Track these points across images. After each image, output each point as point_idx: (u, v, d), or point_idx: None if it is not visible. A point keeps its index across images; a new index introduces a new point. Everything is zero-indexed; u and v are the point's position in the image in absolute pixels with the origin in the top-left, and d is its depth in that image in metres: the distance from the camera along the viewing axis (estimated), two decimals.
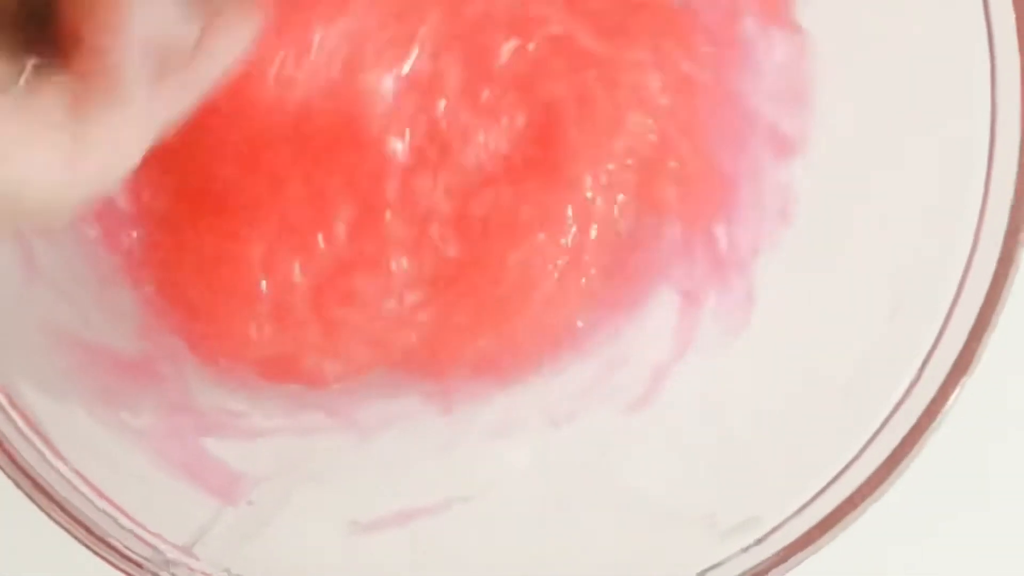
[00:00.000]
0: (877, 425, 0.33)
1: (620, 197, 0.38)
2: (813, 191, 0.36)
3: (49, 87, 0.22)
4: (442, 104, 0.36)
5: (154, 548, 0.32)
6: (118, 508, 0.32)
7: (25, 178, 0.22)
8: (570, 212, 0.37)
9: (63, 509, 0.31)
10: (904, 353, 0.33)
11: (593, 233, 0.37)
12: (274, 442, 0.37)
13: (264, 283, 0.36)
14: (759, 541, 0.33)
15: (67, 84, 0.23)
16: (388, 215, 0.36)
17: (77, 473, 0.32)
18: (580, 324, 0.38)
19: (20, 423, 0.32)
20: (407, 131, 0.36)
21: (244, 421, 0.37)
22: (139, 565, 0.32)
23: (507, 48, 0.37)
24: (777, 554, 0.32)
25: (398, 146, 0.36)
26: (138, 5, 0.22)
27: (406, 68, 0.36)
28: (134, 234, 0.37)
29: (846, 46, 0.36)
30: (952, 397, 0.32)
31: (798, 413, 0.35)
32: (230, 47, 0.26)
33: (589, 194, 0.37)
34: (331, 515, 0.36)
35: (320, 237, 0.36)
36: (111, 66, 0.22)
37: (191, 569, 0.32)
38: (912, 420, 0.32)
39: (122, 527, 0.32)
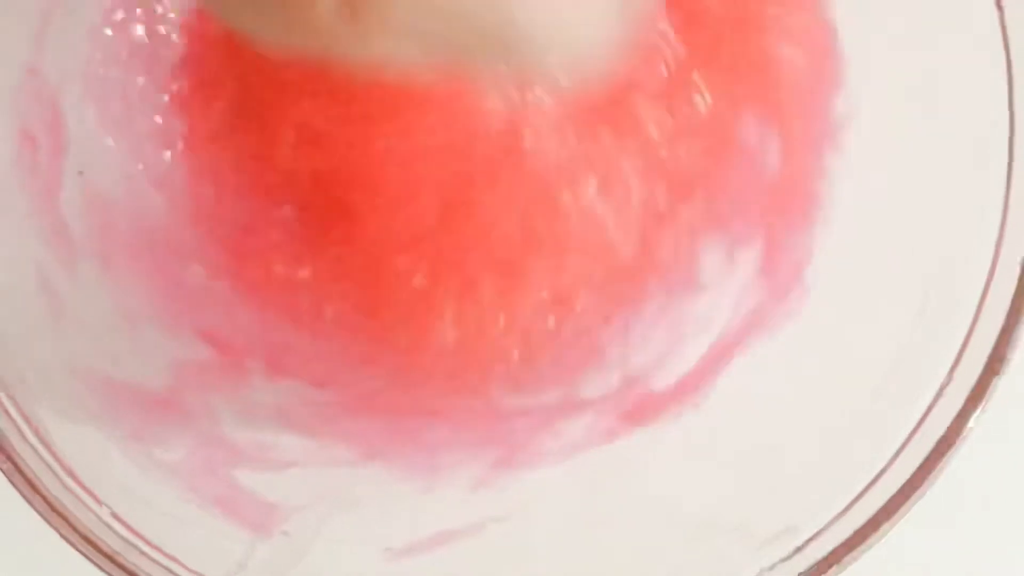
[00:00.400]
0: (910, 429, 0.33)
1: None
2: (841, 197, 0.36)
3: None
4: None
5: None
6: (155, 547, 0.32)
7: None
8: None
9: (100, 551, 0.31)
10: (934, 356, 0.33)
11: None
12: (306, 471, 0.37)
13: None
14: (798, 550, 0.33)
15: None
16: None
17: (113, 514, 0.32)
18: None
19: (54, 465, 0.32)
20: None
21: (275, 452, 0.37)
22: None
23: None
24: (816, 564, 0.32)
25: None
26: None
27: None
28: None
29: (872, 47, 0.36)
30: (984, 400, 0.32)
31: (830, 420, 0.35)
32: None
33: None
34: (366, 542, 0.36)
35: None
36: None
37: None
38: (946, 423, 0.32)
39: (161, 566, 0.32)
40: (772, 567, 0.33)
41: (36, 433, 0.32)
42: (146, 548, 0.32)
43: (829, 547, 0.32)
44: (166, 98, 0.37)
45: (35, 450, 0.32)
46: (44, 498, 0.31)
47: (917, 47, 0.34)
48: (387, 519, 0.37)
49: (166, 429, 0.36)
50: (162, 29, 0.36)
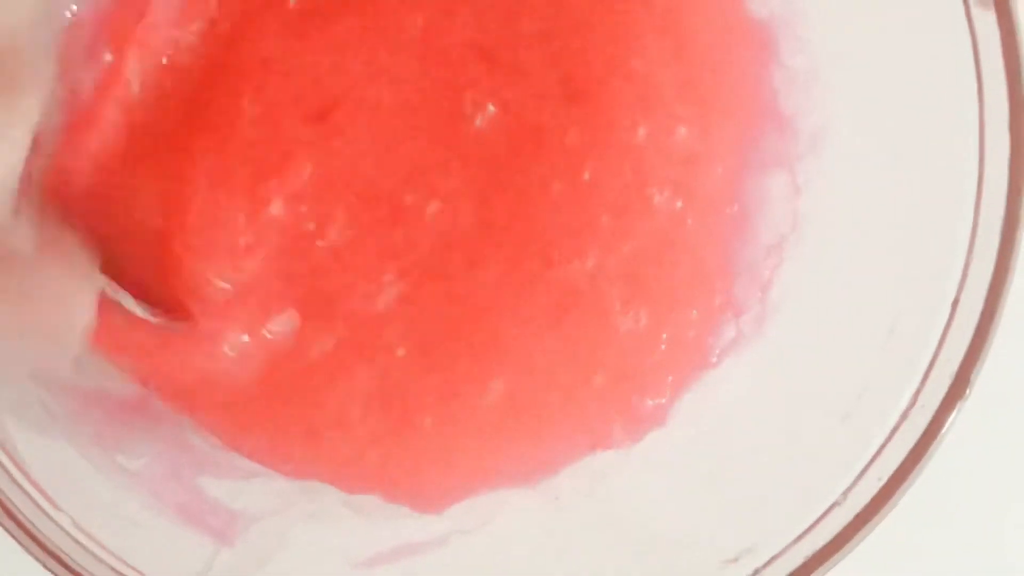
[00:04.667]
0: (872, 454, 0.33)
1: None
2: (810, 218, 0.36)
3: None
4: None
5: None
6: (113, 554, 0.32)
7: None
8: None
9: (56, 557, 0.31)
10: (899, 380, 0.33)
11: None
12: (271, 480, 0.37)
13: None
14: (757, 572, 0.33)
15: None
16: None
17: (72, 520, 0.32)
18: None
19: (13, 471, 0.32)
20: None
21: (240, 460, 0.37)
22: None
23: None
24: None
25: None
26: None
27: None
28: None
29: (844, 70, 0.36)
30: (948, 421, 0.32)
31: (793, 443, 0.35)
32: None
33: None
34: (330, 552, 0.36)
35: None
36: None
37: None
38: (908, 448, 0.32)
39: (119, 573, 0.32)
40: None
41: None
42: (104, 555, 0.32)
43: (789, 568, 0.32)
44: None
45: None
46: (0, 503, 0.31)
47: (889, 68, 0.34)
48: (351, 530, 0.37)
49: (131, 435, 0.35)
50: None
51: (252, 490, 0.36)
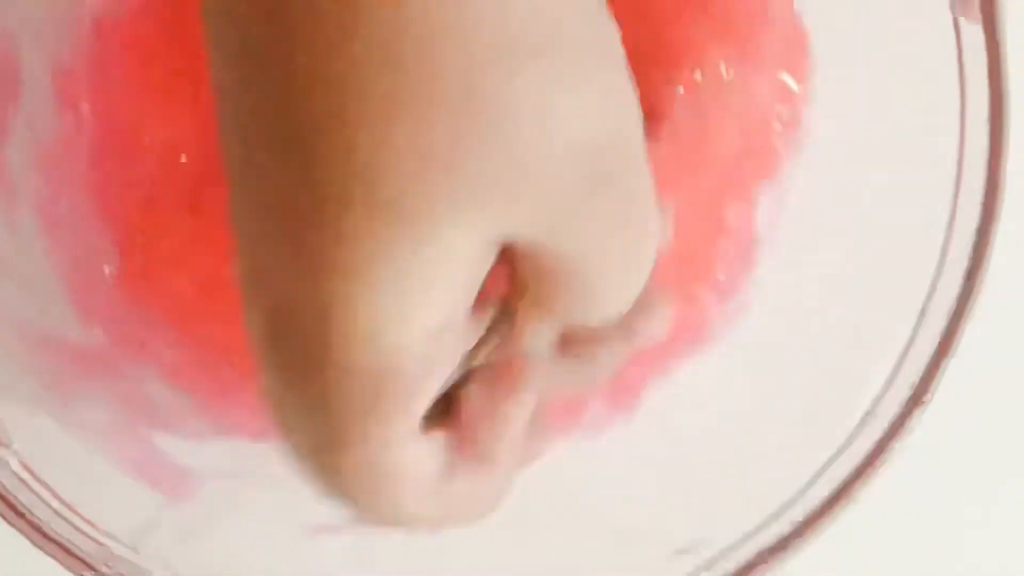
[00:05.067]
0: (831, 453, 0.33)
1: None
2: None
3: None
4: None
5: (98, 543, 0.32)
6: (64, 502, 0.32)
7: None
8: None
9: (4, 500, 0.31)
10: (861, 379, 0.33)
11: None
12: (227, 441, 0.36)
13: None
14: (710, 564, 0.33)
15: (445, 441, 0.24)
16: None
17: (23, 464, 0.31)
18: None
19: None
20: None
21: (198, 419, 0.36)
22: (82, 561, 0.31)
23: None
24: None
25: None
26: None
27: None
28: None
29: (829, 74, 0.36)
30: (905, 429, 0.32)
31: (752, 436, 0.35)
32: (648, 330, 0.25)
33: None
34: (281, 517, 0.35)
35: None
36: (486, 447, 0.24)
37: (134, 565, 0.32)
38: (868, 446, 0.32)
39: (67, 521, 0.31)
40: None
41: None
42: (54, 503, 0.31)
43: (744, 558, 0.32)
44: None
45: None
46: None
47: (870, 73, 0.35)
48: (305, 496, 0.36)
49: (88, 385, 0.35)
50: None
51: (207, 451, 0.36)
